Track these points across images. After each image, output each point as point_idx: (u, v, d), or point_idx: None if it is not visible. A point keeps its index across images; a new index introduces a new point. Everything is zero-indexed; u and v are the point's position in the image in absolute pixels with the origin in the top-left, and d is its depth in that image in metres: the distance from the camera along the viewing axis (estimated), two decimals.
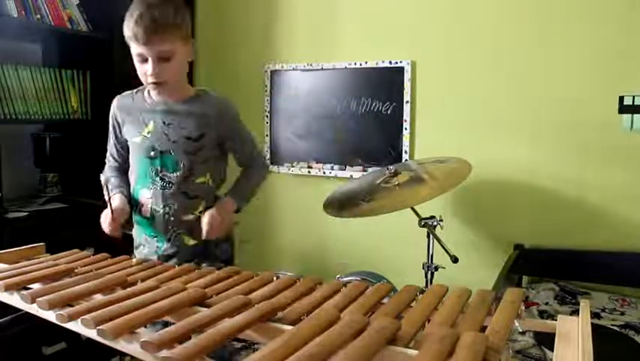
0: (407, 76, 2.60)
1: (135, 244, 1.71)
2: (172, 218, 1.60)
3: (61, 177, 2.66)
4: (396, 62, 2.62)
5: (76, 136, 2.65)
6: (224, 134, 1.64)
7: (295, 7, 2.90)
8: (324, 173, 2.83)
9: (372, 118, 2.70)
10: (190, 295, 1.04)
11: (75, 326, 0.95)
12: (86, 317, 0.91)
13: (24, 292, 1.09)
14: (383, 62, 2.65)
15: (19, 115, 2.32)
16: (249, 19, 3.02)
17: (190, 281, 1.20)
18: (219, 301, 1.01)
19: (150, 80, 1.50)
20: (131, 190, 1.67)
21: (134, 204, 1.66)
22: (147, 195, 1.61)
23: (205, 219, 1.56)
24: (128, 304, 0.98)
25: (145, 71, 1.49)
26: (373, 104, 2.69)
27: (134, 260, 1.38)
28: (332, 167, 2.81)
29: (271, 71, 2.96)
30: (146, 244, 1.66)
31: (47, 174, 2.62)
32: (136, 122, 1.62)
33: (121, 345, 0.87)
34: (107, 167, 1.76)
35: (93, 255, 1.44)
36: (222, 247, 1.69)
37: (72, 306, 1.00)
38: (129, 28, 1.45)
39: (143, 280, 1.19)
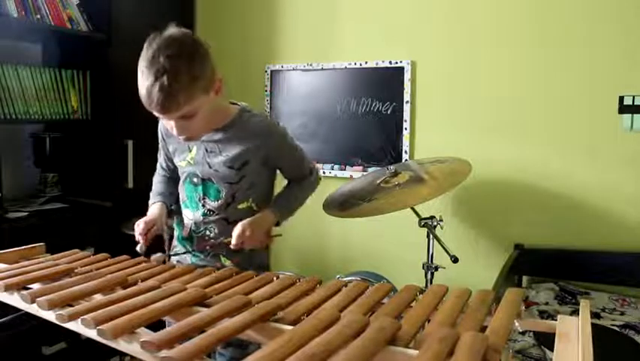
0: (407, 76, 2.60)
1: (172, 245, 1.69)
2: (211, 240, 1.58)
3: (61, 177, 2.67)
4: (397, 62, 2.62)
5: (76, 136, 2.65)
6: (270, 155, 1.56)
7: (295, 7, 2.90)
8: (324, 173, 2.83)
9: (372, 118, 2.70)
10: (190, 295, 1.03)
11: (75, 326, 0.94)
12: (86, 317, 0.91)
13: (24, 292, 1.09)
14: (383, 62, 2.65)
15: (19, 115, 2.32)
16: (249, 19, 3.03)
17: (190, 281, 1.20)
18: (219, 301, 1.01)
19: (177, 135, 1.43)
20: (180, 204, 1.66)
21: (178, 216, 1.65)
22: (189, 217, 1.60)
23: (236, 230, 1.48)
24: (128, 304, 0.98)
25: (169, 126, 1.42)
26: (373, 104, 2.70)
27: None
28: (332, 167, 2.82)
29: (271, 71, 2.96)
30: (182, 249, 1.64)
31: (47, 174, 2.62)
32: (180, 146, 1.59)
33: (121, 345, 0.87)
34: (156, 173, 1.75)
35: (93, 255, 1.44)
36: (258, 273, 1.65)
37: (72, 306, 1.00)
38: (142, 95, 1.32)
39: (143, 280, 1.19)
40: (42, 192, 2.60)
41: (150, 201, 1.66)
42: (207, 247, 1.58)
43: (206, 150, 1.53)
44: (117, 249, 1.50)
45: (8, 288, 1.13)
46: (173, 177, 1.70)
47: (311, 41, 2.86)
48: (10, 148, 2.46)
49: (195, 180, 1.57)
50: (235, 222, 1.53)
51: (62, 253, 1.44)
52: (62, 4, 2.43)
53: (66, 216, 2.42)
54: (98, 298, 1.07)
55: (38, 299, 1.02)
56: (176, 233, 1.68)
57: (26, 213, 2.29)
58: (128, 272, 1.26)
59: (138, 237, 1.51)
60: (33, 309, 1.05)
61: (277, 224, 1.62)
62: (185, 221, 1.62)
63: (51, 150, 2.60)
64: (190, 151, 1.57)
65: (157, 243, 1.57)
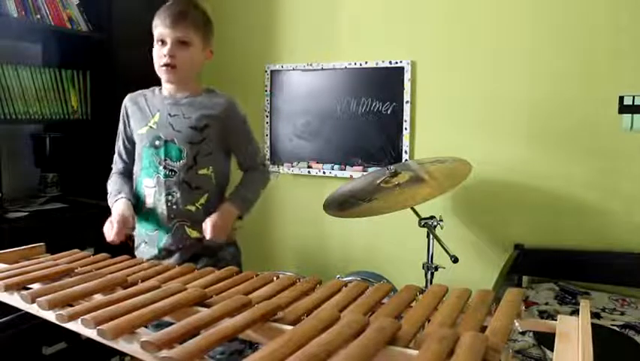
0: (407, 76, 2.60)
1: (136, 244, 1.71)
2: (174, 207, 1.61)
3: (61, 177, 2.66)
4: (397, 62, 2.62)
5: (76, 136, 2.65)
6: (229, 132, 1.68)
7: (295, 7, 2.90)
8: (324, 173, 2.83)
9: (372, 118, 2.70)
10: (190, 295, 1.03)
11: (75, 326, 0.94)
12: (86, 317, 0.91)
13: (24, 292, 1.09)
14: (383, 62, 2.65)
15: (19, 115, 2.32)
16: (249, 19, 3.03)
17: (190, 281, 1.20)
18: (219, 301, 1.01)
19: (164, 61, 1.59)
20: (134, 183, 1.69)
21: (136, 198, 1.67)
22: (150, 184, 1.64)
23: (208, 222, 1.57)
24: (128, 304, 0.97)
25: (162, 53, 1.59)
26: (373, 104, 2.70)
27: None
28: (332, 167, 2.81)
29: (271, 71, 2.96)
30: (148, 240, 1.66)
31: (47, 174, 2.62)
32: (143, 114, 1.68)
33: (121, 345, 0.87)
34: (113, 171, 1.77)
35: (93, 255, 1.44)
36: (230, 250, 1.69)
37: (72, 306, 1.00)
38: (159, 15, 1.61)
39: (143, 280, 1.19)
40: (42, 192, 2.60)
41: (112, 199, 1.67)
42: (171, 215, 1.61)
43: (170, 115, 1.64)
44: (117, 249, 1.50)
45: (8, 288, 1.13)
46: (130, 170, 1.74)
47: (311, 41, 2.86)
48: (10, 148, 2.46)
49: (157, 142, 1.63)
50: (198, 189, 1.62)
51: (62, 253, 1.43)
52: (62, 4, 2.43)
53: (66, 216, 2.42)
54: (98, 298, 1.07)
55: (38, 299, 1.02)
56: (137, 226, 1.68)
57: (26, 213, 2.29)
58: (128, 272, 1.25)
59: (115, 238, 1.53)
60: (33, 309, 1.05)
61: (240, 218, 1.68)
62: (147, 191, 1.64)
63: (51, 150, 2.60)
64: (153, 117, 1.65)
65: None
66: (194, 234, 1.62)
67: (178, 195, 1.61)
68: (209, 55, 1.69)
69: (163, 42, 1.60)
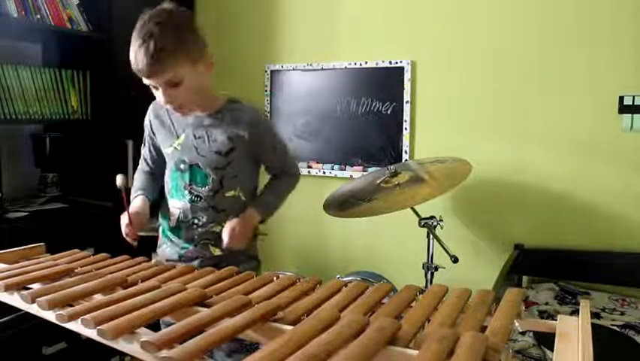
0: (407, 76, 2.60)
1: (158, 243, 1.70)
2: (199, 229, 1.59)
3: (61, 177, 2.67)
4: (397, 62, 2.62)
5: (76, 136, 2.65)
6: (255, 143, 1.58)
7: (295, 7, 2.90)
8: (324, 173, 2.83)
9: (372, 118, 2.70)
10: (190, 295, 1.03)
11: (75, 326, 0.94)
12: (86, 317, 0.91)
13: (24, 292, 1.09)
14: (383, 62, 2.65)
15: (19, 115, 2.32)
16: (249, 19, 3.03)
17: (190, 281, 1.20)
18: (219, 301, 1.01)
19: (167, 105, 1.49)
20: (165, 196, 1.66)
21: (163, 209, 1.66)
22: (177, 206, 1.60)
23: (226, 228, 1.53)
24: (128, 304, 0.97)
25: (158, 95, 1.47)
26: (373, 104, 2.70)
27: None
28: (332, 167, 2.82)
29: (271, 71, 2.96)
30: (169, 244, 1.64)
31: (47, 174, 2.62)
32: (168, 132, 1.61)
33: (121, 345, 0.87)
34: (138, 168, 1.76)
35: (93, 255, 1.44)
36: (251, 264, 1.64)
37: (72, 306, 1.00)
38: (132, 62, 1.41)
39: (143, 280, 1.19)
40: (42, 192, 2.60)
41: (133, 194, 1.67)
42: (195, 236, 1.59)
43: (195, 136, 1.57)
44: (117, 249, 1.50)
45: (8, 288, 1.13)
46: (155, 173, 1.72)
47: (311, 41, 2.86)
48: (10, 148, 2.46)
49: (182, 166, 1.58)
50: (224, 211, 1.57)
51: (62, 253, 1.43)
52: (62, 4, 2.44)
53: (66, 216, 2.42)
54: (98, 298, 1.07)
55: (38, 299, 1.02)
56: (161, 226, 1.68)
57: (26, 213, 2.29)
58: (128, 272, 1.25)
59: (126, 230, 1.52)
60: (33, 309, 1.05)
61: (262, 222, 1.64)
62: (172, 210, 1.62)
63: (51, 150, 2.60)
64: (178, 138, 1.59)
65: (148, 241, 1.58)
66: (217, 252, 1.60)
67: (204, 219, 1.57)
68: (210, 67, 1.51)
69: (153, 86, 1.45)
